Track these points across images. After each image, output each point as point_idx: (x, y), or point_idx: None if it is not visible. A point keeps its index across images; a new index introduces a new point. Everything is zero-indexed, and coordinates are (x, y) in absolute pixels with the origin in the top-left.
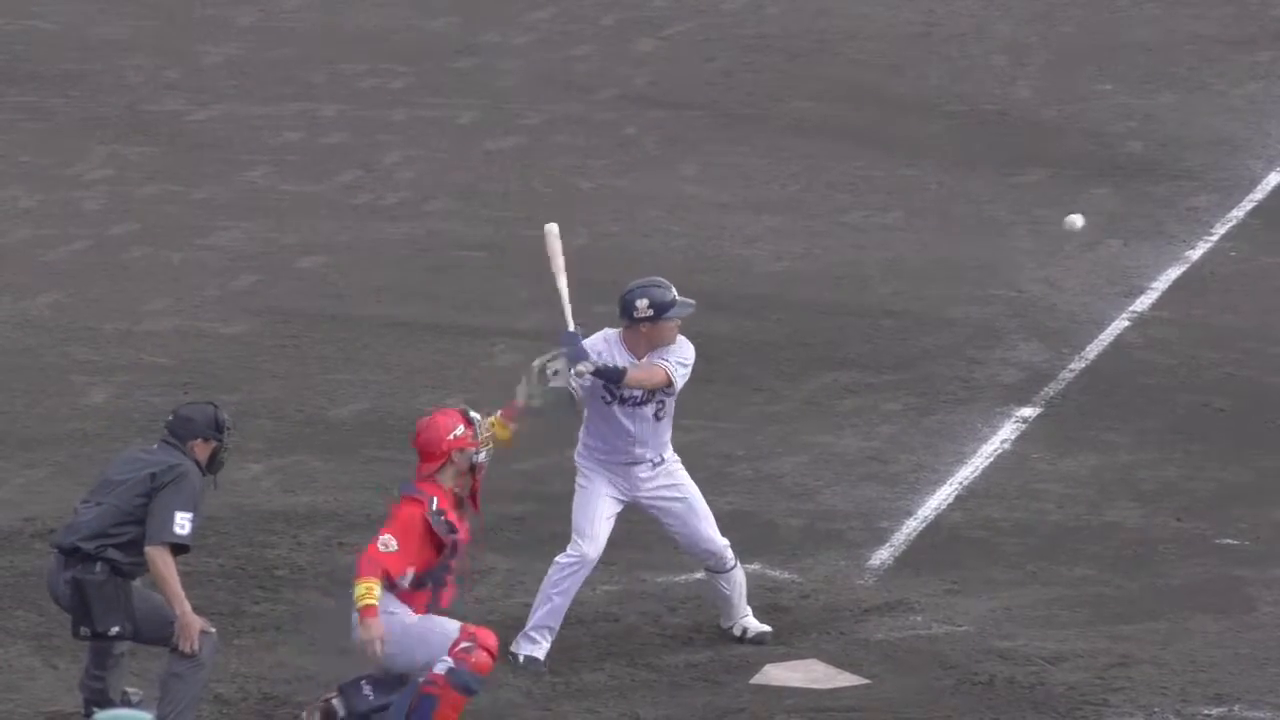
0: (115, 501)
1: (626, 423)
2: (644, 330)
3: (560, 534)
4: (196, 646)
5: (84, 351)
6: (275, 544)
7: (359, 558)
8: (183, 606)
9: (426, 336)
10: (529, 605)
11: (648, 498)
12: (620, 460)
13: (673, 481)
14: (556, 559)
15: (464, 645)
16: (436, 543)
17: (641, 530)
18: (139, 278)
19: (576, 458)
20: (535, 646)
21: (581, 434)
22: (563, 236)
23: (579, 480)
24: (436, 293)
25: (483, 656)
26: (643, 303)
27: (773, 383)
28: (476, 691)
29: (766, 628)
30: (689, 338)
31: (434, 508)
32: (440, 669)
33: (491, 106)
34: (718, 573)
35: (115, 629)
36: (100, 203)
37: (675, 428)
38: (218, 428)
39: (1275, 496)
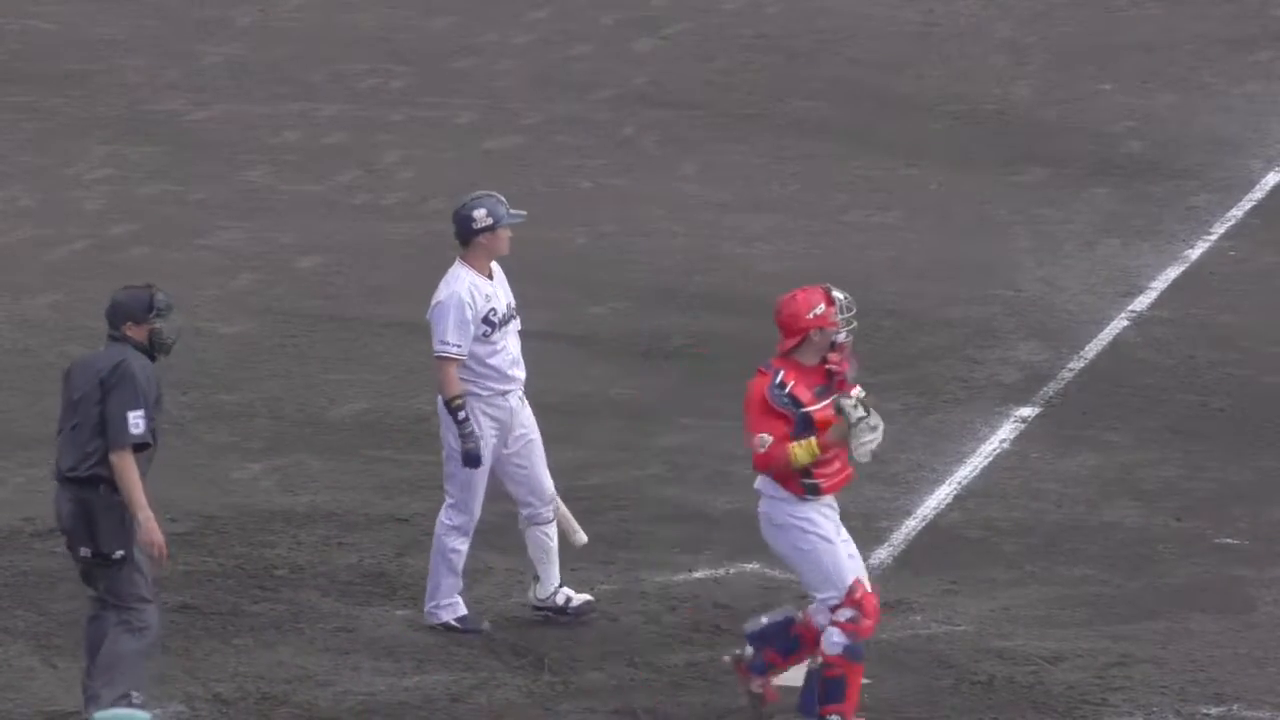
0: (80, 419)
1: (511, 344)
2: (483, 242)
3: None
4: (161, 553)
5: (83, 351)
6: (274, 543)
7: (766, 465)
8: (144, 512)
9: (426, 336)
10: (527, 605)
11: (516, 435)
12: (506, 390)
13: (529, 413)
14: (443, 520)
15: (849, 616)
16: (783, 416)
17: (640, 530)
18: (138, 277)
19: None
20: (457, 606)
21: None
22: (562, 237)
23: (453, 445)
24: None
25: (867, 624)
26: (480, 212)
27: None
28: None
29: (589, 596)
30: (693, 335)
31: (776, 381)
32: (834, 650)
33: (491, 106)
34: (542, 524)
35: (120, 552)
36: (100, 202)
37: (673, 427)
38: (148, 309)
39: (1275, 496)
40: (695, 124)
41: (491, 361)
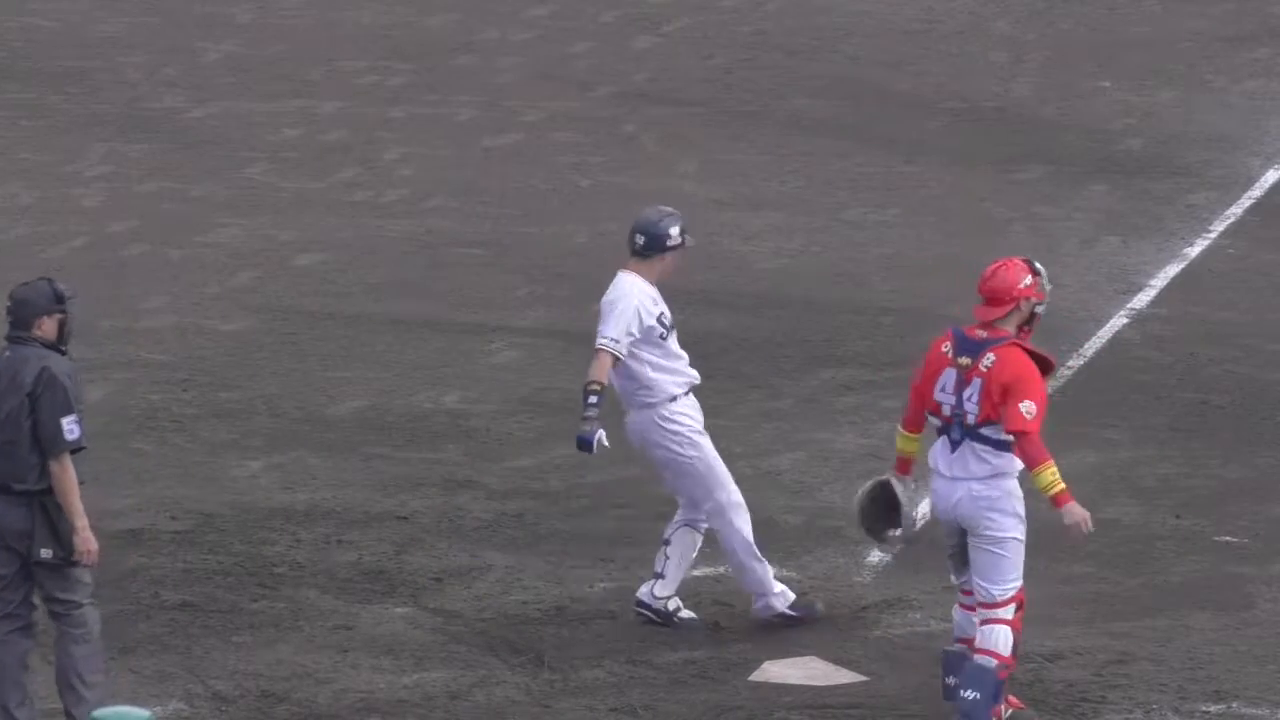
0: (13, 435)
1: (679, 347)
2: (668, 259)
3: (559, 531)
4: (94, 560)
5: (82, 349)
6: (274, 541)
7: (1026, 444)
8: (81, 520)
9: (425, 334)
10: (526, 602)
11: None
12: (693, 384)
13: None
14: (721, 518)
15: (1015, 614)
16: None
17: (640, 529)
18: (138, 275)
19: (668, 427)
20: (785, 593)
21: (661, 398)
22: (562, 234)
23: (686, 450)
24: (435, 290)
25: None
26: (675, 230)
27: (771, 380)
28: None
29: (696, 615)
30: (693, 333)
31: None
32: (1008, 651)
33: (490, 104)
34: (698, 529)
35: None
36: (99, 200)
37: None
38: (57, 299)
39: (1274, 493)
40: (695, 121)
41: (675, 362)
